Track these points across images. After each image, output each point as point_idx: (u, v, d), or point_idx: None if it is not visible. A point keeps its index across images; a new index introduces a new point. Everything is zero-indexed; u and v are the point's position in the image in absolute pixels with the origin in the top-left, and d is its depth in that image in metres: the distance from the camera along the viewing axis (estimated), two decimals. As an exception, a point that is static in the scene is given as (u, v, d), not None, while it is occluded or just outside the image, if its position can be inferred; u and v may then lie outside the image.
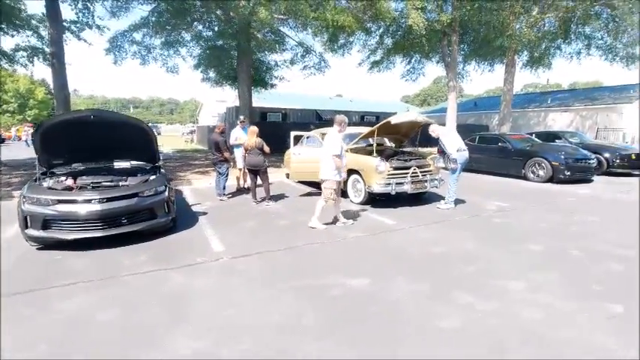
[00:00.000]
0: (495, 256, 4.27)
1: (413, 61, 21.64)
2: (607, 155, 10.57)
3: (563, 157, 9.21)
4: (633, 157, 10.58)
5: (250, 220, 5.95)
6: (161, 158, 6.04)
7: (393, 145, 8.27)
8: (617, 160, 10.47)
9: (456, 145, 6.61)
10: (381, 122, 6.80)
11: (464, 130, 20.89)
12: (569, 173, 9.08)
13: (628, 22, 16.36)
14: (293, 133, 7.44)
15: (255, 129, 6.93)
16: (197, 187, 9.11)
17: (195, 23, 14.30)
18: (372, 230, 5.32)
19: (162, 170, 5.65)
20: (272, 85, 15.16)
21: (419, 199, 7.35)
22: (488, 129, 23.87)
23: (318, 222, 5.44)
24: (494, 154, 10.73)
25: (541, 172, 9.45)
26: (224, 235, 5.06)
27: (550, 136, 12.33)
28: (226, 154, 7.29)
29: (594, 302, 3.13)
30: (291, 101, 27.47)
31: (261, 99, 25.22)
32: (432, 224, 5.67)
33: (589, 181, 9.62)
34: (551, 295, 3.28)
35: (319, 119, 24.63)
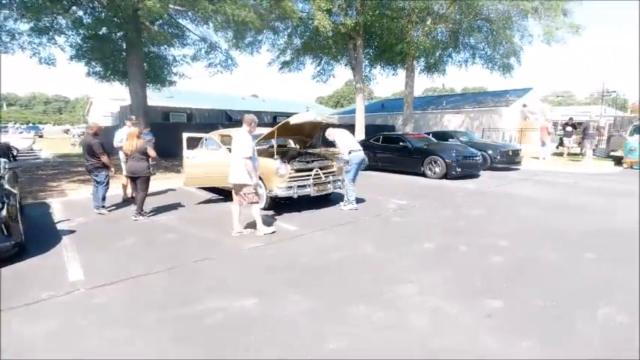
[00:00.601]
0: (392, 259, 4.21)
1: (322, 62, 21.95)
2: (490, 152, 11.83)
3: (454, 155, 10.00)
4: (510, 153, 12.03)
5: (130, 236, 5.10)
6: (5, 167, 4.83)
7: (298, 146, 8.03)
8: (498, 157, 11.79)
9: (349, 146, 6.57)
10: (280, 123, 6.47)
11: (373, 130, 21.86)
12: (459, 170, 9.89)
13: (503, 36, 18.71)
14: (186, 135, 6.69)
15: (135, 131, 6.04)
16: (72, 199, 7.73)
17: (74, 8, 12.37)
18: (272, 239, 4.94)
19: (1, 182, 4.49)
20: (170, 83, 13.87)
21: (326, 200, 7.21)
22: (394, 129, 25.38)
23: (265, 227, 5.13)
24: (396, 153, 11.25)
25: (437, 169, 10.13)
26: (89, 259, 4.19)
27: (444, 136, 13.43)
28: (104, 159, 6.23)
29: (477, 300, 3.18)
30: (198, 100, 25.83)
31: (164, 97, 23.27)
32: (335, 227, 5.51)
33: (476, 176, 10.62)
34: (440, 296, 3.26)
35: (229, 120, 23.58)
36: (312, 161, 6.71)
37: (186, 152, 6.65)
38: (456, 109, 24.54)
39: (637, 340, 2.58)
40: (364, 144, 12.54)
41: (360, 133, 18.25)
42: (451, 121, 23.99)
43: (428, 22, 18.84)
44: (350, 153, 6.51)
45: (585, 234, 5.11)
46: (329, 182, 6.70)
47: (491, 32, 19.56)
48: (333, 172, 6.77)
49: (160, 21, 12.83)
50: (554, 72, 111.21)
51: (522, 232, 5.24)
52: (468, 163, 10.14)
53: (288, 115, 28.90)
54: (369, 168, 12.06)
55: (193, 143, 7.53)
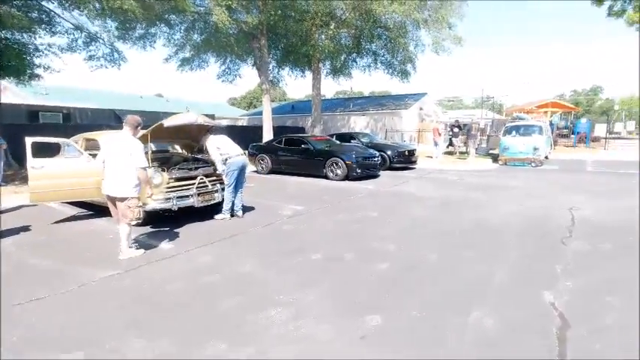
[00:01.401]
0: (270, 277, 3.78)
1: (227, 61, 20.94)
2: (389, 153, 12.32)
3: (354, 156, 10.10)
4: (407, 153, 12.70)
5: None
6: None
7: (184, 151, 7.20)
8: (396, 157, 12.34)
9: (226, 153, 6.00)
10: (153, 126, 5.61)
11: (283, 131, 21.52)
12: (359, 171, 10.03)
13: (399, 44, 19.92)
14: (30, 140, 5.38)
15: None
16: None
17: None
18: (135, 263, 4.13)
19: None
20: (32, 76, 11.60)
21: (217, 211, 6.51)
22: (304, 130, 25.42)
23: (130, 250, 4.29)
24: (299, 156, 11.01)
25: (338, 171, 10.13)
26: None
27: (347, 137, 13.67)
28: None
29: (355, 318, 2.90)
30: (81, 99, 22.57)
31: (35, 94, 19.76)
32: (217, 243, 4.90)
33: (376, 176, 10.91)
34: (315, 318, 2.91)
35: (119, 120, 20.97)
36: (197, 168, 5.99)
37: (31, 161, 5.36)
38: (361, 111, 25.56)
39: (503, 345, 2.54)
40: (266, 147, 12.10)
41: (268, 135, 17.75)
42: (357, 122, 24.90)
43: (332, 27, 19.16)
44: (227, 160, 5.93)
45: (466, 231, 5.34)
46: (216, 191, 6.05)
47: (390, 40, 20.71)
48: (222, 179, 6.13)
49: (17, 1, 10.63)
50: (446, 79, 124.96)
51: (411, 233, 5.28)
52: (367, 163, 10.34)
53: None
54: (272, 171, 11.65)
55: (49, 150, 6.20)
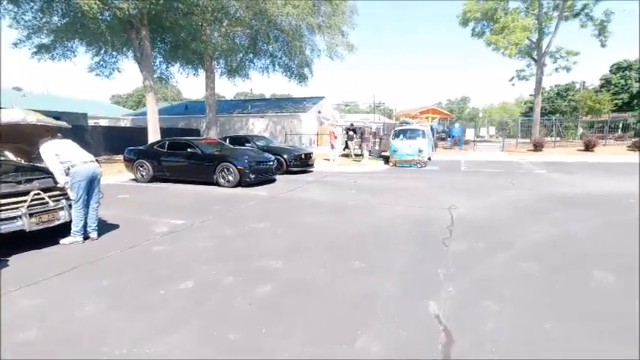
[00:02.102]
0: (116, 322, 2.92)
1: (102, 52, 18.19)
2: (285, 156, 11.97)
3: (247, 161, 9.43)
4: (303, 156, 12.51)
5: None
6: None
7: (20, 159, 5.64)
8: (293, 160, 12.05)
9: (69, 160, 4.81)
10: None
11: (174, 133, 19.59)
12: (253, 176, 9.40)
13: (296, 47, 19.86)
14: None
15: None
16: None
17: None
18: None
19: None
20: None
21: (65, 234, 5.17)
22: (199, 133, 23.70)
23: None
24: (185, 161, 9.87)
25: (230, 177, 9.34)
26: None
27: (241, 140, 12.91)
28: None
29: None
30: None
31: None
32: (54, 277, 3.76)
33: (272, 181, 10.42)
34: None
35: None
36: (30, 180, 4.64)
37: None
38: (260, 113, 24.92)
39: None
40: (147, 151, 10.62)
41: (154, 137, 15.86)
42: (256, 125, 24.21)
43: (224, 24, 18.11)
44: (70, 169, 4.75)
45: (356, 238, 5.16)
46: (61, 209, 4.78)
47: (287, 42, 20.54)
48: (66, 194, 4.86)
49: None
50: (344, 84, 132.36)
51: (300, 246, 4.87)
52: (262, 168, 9.78)
53: (58, 114, 23.10)
54: (154, 179, 10.25)
55: None
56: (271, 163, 10.18)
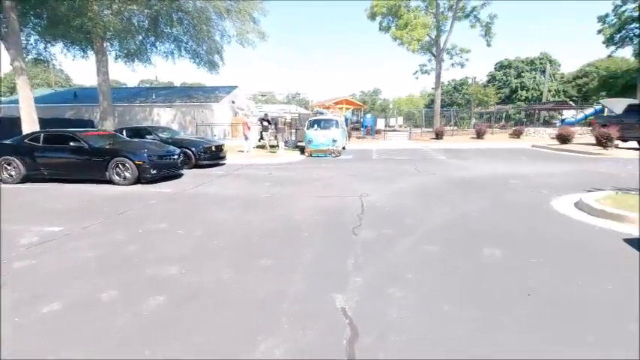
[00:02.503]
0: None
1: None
2: (194, 149, 11.09)
3: (146, 155, 8.45)
4: (214, 149, 11.76)
5: None
6: None
7: None
8: (203, 153, 11.23)
9: None
10: None
11: (61, 124, 16.93)
12: (155, 172, 8.48)
13: (203, 32, 18.55)
14: None
15: None
16: None
17: None
18: None
19: None
20: None
21: None
22: (93, 124, 20.91)
23: None
24: (68, 157, 8.47)
25: (127, 174, 8.28)
26: None
27: (141, 132, 11.64)
28: None
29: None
30: None
31: None
32: None
33: (178, 176, 9.57)
34: None
35: None
36: None
37: None
38: (167, 102, 22.92)
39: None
40: (15, 146, 8.88)
41: (31, 129, 13.42)
42: (162, 115, 22.22)
43: (116, 1, 16.02)
44: None
45: (266, 234, 4.89)
46: None
47: (193, 26, 19.09)
48: None
49: None
50: (261, 74, 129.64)
51: (203, 246, 4.43)
52: (165, 163, 8.87)
53: None
54: (27, 179, 8.65)
55: None
56: (176, 156, 9.30)
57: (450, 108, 41.10)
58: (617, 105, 19.36)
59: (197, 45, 19.95)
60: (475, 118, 36.36)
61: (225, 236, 4.79)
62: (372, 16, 26.52)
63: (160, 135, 11.46)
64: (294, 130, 20.10)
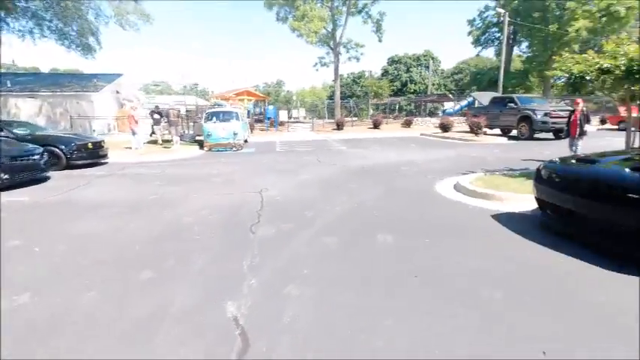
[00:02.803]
0: None
1: None
2: (63, 147, 9.42)
3: (-8, 156, 6.83)
4: (90, 146, 10.17)
5: None
6: None
7: None
8: (76, 152, 9.62)
9: None
10: None
11: None
12: (6, 177, 6.91)
13: (69, 8, 15.91)
14: None
15: None
16: None
17: None
18: None
19: None
20: None
21: None
22: None
23: None
24: None
25: (-35, 181, 6.58)
26: None
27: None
28: None
29: None
30: None
31: None
32: None
33: (42, 180, 8.01)
34: None
35: None
36: None
37: None
38: (27, 91, 19.16)
39: None
40: None
41: None
42: (22, 107, 18.46)
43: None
44: None
45: (149, 242, 4.30)
46: None
47: (57, 2, 16.24)
48: None
49: None
50: (152, 63, 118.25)
51: (69, 265, 3.68)
52: (20, 165, 7.29)
53: None
54: None
55: None
56: (37, 157, 7.72)
57: (350, 100, 43.14)
58: (484, 97, 22.58)
59: (64, 24, 17.04)
60: (372, 109, 38.82)
61: (99, 250, 4.07)
62: (270, 6, 26.09)
63: (16, 131, 9.43)
64: (192, 124, 18.71)
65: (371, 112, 37.35)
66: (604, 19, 26.08)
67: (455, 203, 5.75)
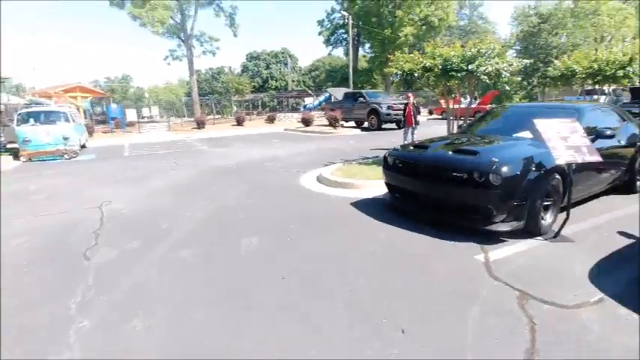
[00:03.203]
0: None
1: None
2: None
3: None
4: None
5: None
6: None
7: None
8: None
9: None
10: None
11: None
12: None
13: None
14: None
15: None
16: None
17: None
18: None
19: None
20: None
21: None
22: None
23: None
24: None
25: None
26: None
27: None
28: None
29: None
30: None
31: None
32: None
33: None
34: None
35: None
36: None
37: None
38: None
39: None
40: None
41: None
42: None
43: None
44: None
45: None
46: None
47: None
48: None
49: None
50: None
51: None
52: None
53: None
54: None
55: None
56: None
57: (212, 96, 41.10)
58: (338, 93, 24.43)
59: None
60: (235, 106, 37.83)
61: None
62: (102, -12, 22.36)
63: None
64: (1, 128, 14.64)
65: (234, 109, 36.39)
66: (424, 27, 31.29)
67: (318, 195, 5.89)
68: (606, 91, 14.66)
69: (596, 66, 10.32)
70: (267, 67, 57.77)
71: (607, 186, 4.81)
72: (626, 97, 14.12)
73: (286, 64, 56.90)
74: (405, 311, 2.56)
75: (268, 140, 15.26)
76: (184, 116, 31.98)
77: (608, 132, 4.35)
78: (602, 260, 3.18)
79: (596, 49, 12.54)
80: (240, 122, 23.70)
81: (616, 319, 2.41)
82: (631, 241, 3.57)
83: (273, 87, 56.00)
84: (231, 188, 6.56)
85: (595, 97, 13.47)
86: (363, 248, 3.68)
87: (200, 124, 22.33)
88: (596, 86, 12.29)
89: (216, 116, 29.30)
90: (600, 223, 4.09)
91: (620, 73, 9.86)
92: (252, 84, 44.91)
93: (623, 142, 4.88)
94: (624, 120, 5.31)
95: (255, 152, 11.40)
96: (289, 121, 26.15)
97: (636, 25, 25.43)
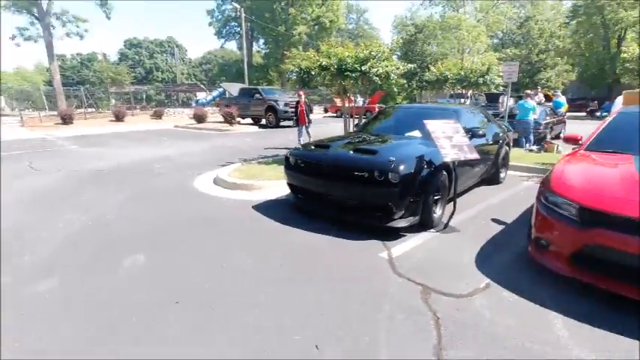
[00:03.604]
0: None
1: None
2: None
3: None
4: None
5: None
6: None
7: None
8: None
9: None
10: None
11: None
12: None
13: None
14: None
15: None
16: None
17: None
18: None
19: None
20: None
21: None
22: None
23: None
24: None
25: None
26: None
27: None
28: None
29: None
30: None
31: None
32: None
33: None
34: None
35: None
36: None
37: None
38: None
39: None
40: None
41: None
42: None
43: None
44: None
45: None
46: None
47: None
48: None
49: None
50: None
51: None
52: None
53: None
54: None
55: None
56: None
57: (82, 87, 35.39)
58: (233, 88, 23.46)
59: None
60: (114, 99, 33.32)
61: None
62: None
63: None
64: None
65: (113, 102, 32.00)
66: (317, 27, 32.22)
67: (216, 199, 5.41)
68: (468, 95, 17.17)
69: (463, 73, 11.97)
70: (151, 57, 52.52)
71: (479, 179, 5.50)
72: (483, 101, 16.76)
73: (173, 55, 52.48)
74: (316, 320, 2.40)
75: (156, 138, 13.72)
76: (45, 109, 26.89)
77: (481, 132, 4.95)
78: (484, 247, 3.55)
79: (462, 59, 14.56)
80: (120, 118, 20.86)
81: (501, 301, 2.66)
82: (502, 227, 4.09)
83: (160, 79, 51.22)
84: (109, 195, 5.59)
85: (462, 100, 15.67)
86: (266, 254, 3.44)
87: (66, 119, 18.86)
88: (463, 90, 14.25)
89: (89, 110, 25.27)
90: (477, 213, 4.62)
91: (481, 80, 11.64)
92: (134, 74, 40.26)
93: (490, 140, 5.64)
94: (489, 121, 6.15)
95: (141, 152, 10.08)
96: (180, 117, 24.13)
97: (487, 40, 30.63)
